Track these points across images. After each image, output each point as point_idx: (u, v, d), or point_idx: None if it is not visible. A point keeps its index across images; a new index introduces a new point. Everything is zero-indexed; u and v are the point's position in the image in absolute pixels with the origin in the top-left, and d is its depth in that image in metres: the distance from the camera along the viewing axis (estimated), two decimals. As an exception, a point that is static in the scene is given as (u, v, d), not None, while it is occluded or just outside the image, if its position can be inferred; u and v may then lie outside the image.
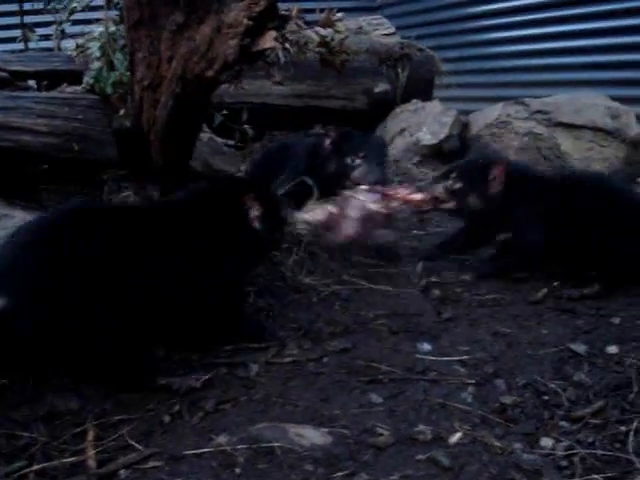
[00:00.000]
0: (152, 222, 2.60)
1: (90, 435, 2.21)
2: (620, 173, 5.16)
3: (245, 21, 2.56)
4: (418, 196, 3.44)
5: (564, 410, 2.40)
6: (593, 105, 5.50)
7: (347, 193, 3.34)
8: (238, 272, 2.79)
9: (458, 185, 3.45)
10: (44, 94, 3.50)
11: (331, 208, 3.30)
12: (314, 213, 3.37)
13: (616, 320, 3.00)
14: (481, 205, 3.44)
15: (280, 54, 4.32)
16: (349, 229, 3.21)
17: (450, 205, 3.50)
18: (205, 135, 4.77)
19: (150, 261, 2.49)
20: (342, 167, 3.74)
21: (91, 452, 2.11)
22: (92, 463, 2.07)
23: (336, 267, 3.44)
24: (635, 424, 2.21)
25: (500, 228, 3.52)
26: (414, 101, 5.96)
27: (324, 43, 3.75)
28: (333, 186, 3.58)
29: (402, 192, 3.43)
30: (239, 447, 2.09)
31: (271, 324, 2.99)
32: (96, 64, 3.74)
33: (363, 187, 3.40)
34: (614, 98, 5.75)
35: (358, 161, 3.72)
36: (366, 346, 2.83)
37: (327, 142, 3.88)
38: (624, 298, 3.19)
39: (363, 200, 3.27)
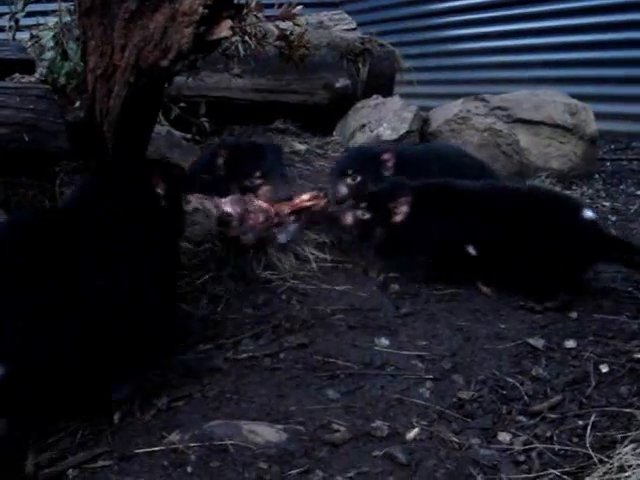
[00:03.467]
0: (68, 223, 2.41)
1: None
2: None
3: (200, 9, 2.49)
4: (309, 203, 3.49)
5: (522, 404, 2.39)
6: (552, 102, 5.52)
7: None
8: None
9: (366, 216, 3.41)
10: (-6, 83, 3.40)
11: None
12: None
13: (573, 314, 3.01)
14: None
15: (240, 47, 4.26)
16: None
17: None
18: (163, 128, 4.69)
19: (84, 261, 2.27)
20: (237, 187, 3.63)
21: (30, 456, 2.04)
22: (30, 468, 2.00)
23: (293, 262, 3.39)
24: (592, 418, 2.20)
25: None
26: (375, 96, 5.92)
27: (283, 36, 3.69)
28: None
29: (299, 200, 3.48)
30: (191, 445, 2.05)
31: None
32: (49, 54, 3.64)
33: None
34: (573, 95, 5.79)
35: (258, 181, 3.64)
36: (324, 341, 2.79)
37: (219, 161, 3.75)
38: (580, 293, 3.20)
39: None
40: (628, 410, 2.21)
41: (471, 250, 3.29)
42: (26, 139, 3.00)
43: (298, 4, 3.56)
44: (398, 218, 3.36)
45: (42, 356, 2.05)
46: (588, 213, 3.25)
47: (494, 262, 3.29)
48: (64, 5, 3.97)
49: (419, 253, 3.47)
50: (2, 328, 2.03)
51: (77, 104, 3.35)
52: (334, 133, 5.98)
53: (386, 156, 3.81)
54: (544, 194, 3.52)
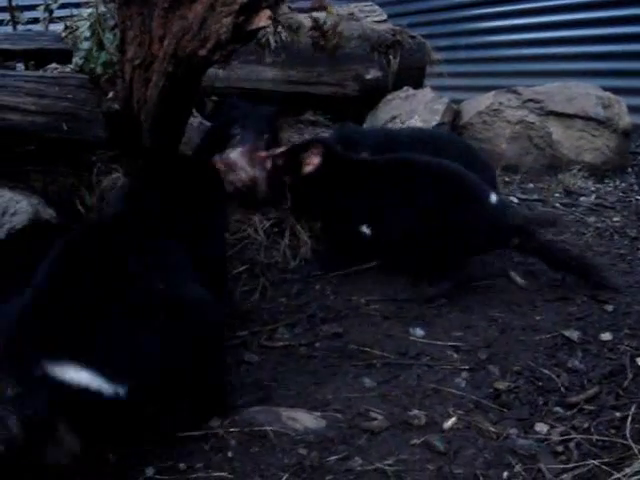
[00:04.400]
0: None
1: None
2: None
3: (240, -1, 2.50)
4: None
5: (558, 396, 2.39)
6: (585, 94, 5.47)
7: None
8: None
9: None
10: (33, 73, 3.43)
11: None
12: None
13: (609, 307, 2.99)
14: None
15: (271, 38, 4.27)
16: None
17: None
18: (195, 120, 4.70)
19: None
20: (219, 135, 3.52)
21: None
22: None
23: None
24: (632, 410, 2.19)
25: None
26: (405, 88, 5.90)
27: (317, 27, 3.68)
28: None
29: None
30: (231, 430, 2.07)
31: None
32: (85, 44, 3.67)
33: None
34: (606, 88, 5.73)
35: (237, 131, 3.61)
36: (359, 331, 2.80)
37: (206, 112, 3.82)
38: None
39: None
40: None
41: (365, 229, 3.20)
42: (65, 128, 3.03)
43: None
44: (306, 169, 3.24)
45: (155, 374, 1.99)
46: (492, 197, 3.14)
47: (389, 243, 3.19)
48: (100, -5, 4.00)
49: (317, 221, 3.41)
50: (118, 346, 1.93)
51: (110, 95, 3.38)
52: (364, 125, 5.97)
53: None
54: (450, 173, 3.21)
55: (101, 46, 3.59)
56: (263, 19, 2.55)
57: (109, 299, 1.96)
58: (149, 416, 2.06)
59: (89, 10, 3.99)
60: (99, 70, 3.45)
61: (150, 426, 2.08)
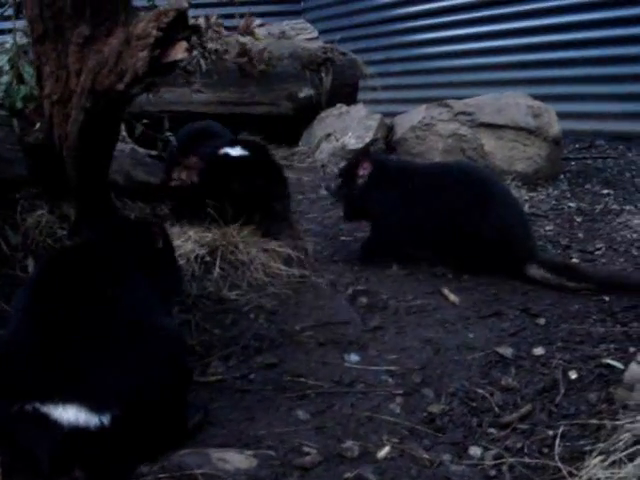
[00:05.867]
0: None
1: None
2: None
3: (154, 32, 2.47)
4: None
5: (492, 416, 2.40)
6: (515, 104, 5.57)
7: None
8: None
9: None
10: (-53, 111, 3.35)
11: None
12: None
13: (541, 321, 3.02)
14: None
15: (202, 62, 4.24)
16: None
17: None
18: (127, 146, 4.64)
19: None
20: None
21: None
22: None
23: (261, 278, 3.37)
24: (561, 428, 2.21)
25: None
26: (339, 105, 5.95)
27: (243, 52, 3.67)
28: None
29: None
30: (161, 476, 2.01)
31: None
32: (5, 78, 3.59)
33: None
34: (536, 96, 5.84)
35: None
36: (293, 360, 2.78)
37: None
38: (548, 299, 3.22)
39: None
40: (595, 421, 2.21)
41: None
42: (-17, 167, 2.96)
43: (261, 15, 3.52)
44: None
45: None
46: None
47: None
48: (20, 26, 3.92)
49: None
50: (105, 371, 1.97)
51: (37, 126, 3.31)
52: (300, 143, 5.99)
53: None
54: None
55: (21, 80, 3.51)
56: (180, 51, 2.53)
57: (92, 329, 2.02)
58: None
59: (10, 40, 3.91)
60: (19, 105, 3.37)
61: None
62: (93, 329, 2.02)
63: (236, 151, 3.74)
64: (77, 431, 1.86)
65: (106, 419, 1.89)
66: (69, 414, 1.86)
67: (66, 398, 1.87)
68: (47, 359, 1.94)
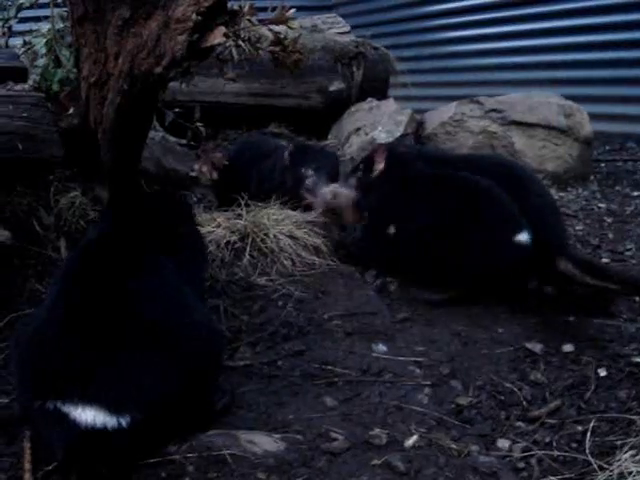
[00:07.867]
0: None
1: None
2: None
3: (193, 16, 2.47)
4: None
5: (520, 410, 2.39)
6: (546, 103, 5.51)
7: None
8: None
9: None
10: (-14, 91, 3.38)
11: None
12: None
13: (571, 318, 3.00)
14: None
15: (234, 51, 4.23)
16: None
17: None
18: (158, 134, 4.67)
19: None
20: (298, 178, 3.95)
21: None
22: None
23: (290, 267, 3.37)
24: (592, 424, 2.19)
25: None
26: (369, 100, 5.92)
27: (277, 41, 3.66)
28: (289, 194, 3.88)
29: None
30: (189, 456, 2.02)
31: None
32: (42, 61, 3.61)
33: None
34: (567, 97, 5.79)
35: (310, 172, 3.92)
36: (321, 348, 2.78)
37: (286, 155, 4.05)
38: (578, 296, 3.19)
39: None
40: (627, 415, 2.19)
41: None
42: (20, 147, 2.98)
43: (292, 8, 3.54)
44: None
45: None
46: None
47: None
48: (57, 11, 3.95)
49: None
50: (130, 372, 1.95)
51: (71, 111, 3.33)
52: (329, 137, 5.97)
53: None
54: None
55: (58, 63, 3.54)
56: (218, 36, 2.53)
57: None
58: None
59: (47, 26, 3.94)
60: (55, 87, 3.40)
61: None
62: (124, 327, 2.00)
63: None
64: (94, 431, 1.86)
65: (125, 421, 1.89)
66: (87, 415, 1.86)
67: (86, 399, 1.87)
68: (72, 356, 1.93)
